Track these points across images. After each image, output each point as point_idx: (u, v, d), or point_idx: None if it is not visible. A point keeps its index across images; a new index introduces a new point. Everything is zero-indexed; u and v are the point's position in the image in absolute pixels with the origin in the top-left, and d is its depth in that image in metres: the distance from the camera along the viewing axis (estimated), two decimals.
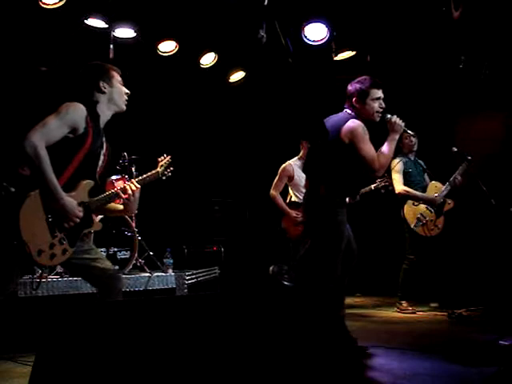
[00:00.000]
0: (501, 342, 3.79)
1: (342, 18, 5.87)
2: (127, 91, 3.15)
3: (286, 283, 3.84)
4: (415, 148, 5.82)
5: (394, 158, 5.65)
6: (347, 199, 3.97)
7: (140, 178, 3.26)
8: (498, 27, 5.62)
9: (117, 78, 3.12)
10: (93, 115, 2.93)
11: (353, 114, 3.85)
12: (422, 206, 5.62)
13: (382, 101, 3.87)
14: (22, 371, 3.29)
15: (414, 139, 5.73)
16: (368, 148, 3.72)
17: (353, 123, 3.74)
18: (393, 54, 6.28)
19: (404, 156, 5.76)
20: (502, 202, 5.41)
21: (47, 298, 4.28)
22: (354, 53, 6.40)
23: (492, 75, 6.15)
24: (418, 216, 5.57)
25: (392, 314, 5.56)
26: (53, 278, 4.46)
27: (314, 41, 5.86)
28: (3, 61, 5.48)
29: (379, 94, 3.86)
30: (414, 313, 5.50)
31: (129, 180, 5.47)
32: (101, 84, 3.03)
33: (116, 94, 3.08)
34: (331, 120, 3.88)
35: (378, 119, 3.86)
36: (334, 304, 3.79)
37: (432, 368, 3.30)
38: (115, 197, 3.10)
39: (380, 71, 6.18)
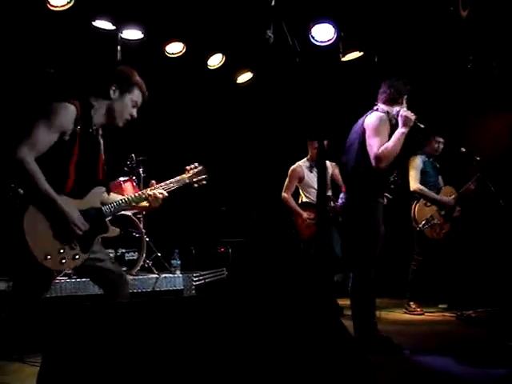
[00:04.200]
0: (511, 343, 3.78)
1: (350, 18, 5.86)
2: (134, 115, 2.91)
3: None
4: (438, 152, 5.77)
5: (415, 155, 5.67)
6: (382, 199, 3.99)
7: (165, 183, 3.19)
8: (505, 27, 5.59)
9: (133, 96, 2.88)
10: (84, 116, 2.72)
11: (380, 109, 3.84)
12: (434, 208, 5.58)
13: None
14: (31, 371, 3.29)
15: (441, 145, 5.72)
16: (375, 138, 3.65)
17: (371, 115, 3.77)
18: (400, 54, 6.26)
19: (425, 155, 5.72)
20: (510, 203, 5.38)
21: (55, 299, 4.30)
22: (361, 53, 6.39)
23: (500, 75, 6.12)
24: (428, 217, 5.53)
25: (400, 315, 5.54)
26: (61, 279, 4.47)
27: (321, 41, 5.85)
28: (11, 63, 5.51)
29: None
30: (423, 314, 5.48)
31: (137, 182, 5.51)
32: (112, 88, 2.82)
33: (119, 107, 2.84)
34: (360, 120, 3.89)
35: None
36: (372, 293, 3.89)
37: (441, 369, 3.28)
38: (132, 203, 3.02)
39: (388, 72, 6.17)
